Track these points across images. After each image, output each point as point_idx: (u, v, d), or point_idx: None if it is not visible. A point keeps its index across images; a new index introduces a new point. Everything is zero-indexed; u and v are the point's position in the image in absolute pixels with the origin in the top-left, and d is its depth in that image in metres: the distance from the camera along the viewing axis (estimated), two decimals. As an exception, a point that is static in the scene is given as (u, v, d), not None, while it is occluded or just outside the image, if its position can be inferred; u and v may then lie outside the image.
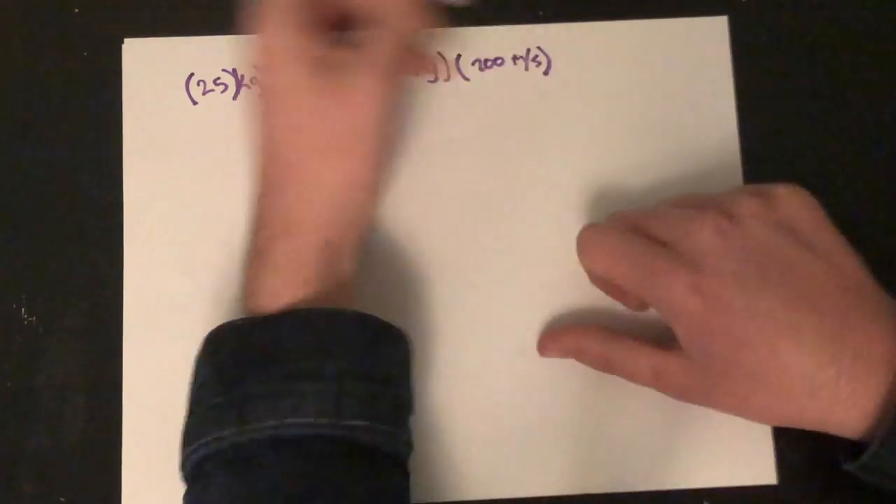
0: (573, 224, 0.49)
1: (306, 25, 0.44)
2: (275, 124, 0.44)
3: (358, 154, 0.45)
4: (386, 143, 0.46)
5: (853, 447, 0.42)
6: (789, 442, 0.47)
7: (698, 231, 0.42)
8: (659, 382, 0.44)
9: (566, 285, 0.48)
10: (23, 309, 0.48)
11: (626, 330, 0.46)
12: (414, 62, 0.49)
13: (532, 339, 0.48)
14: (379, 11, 0.45)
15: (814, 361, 0.40)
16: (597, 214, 0.49)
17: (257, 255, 0.44)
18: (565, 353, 0.47)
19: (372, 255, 0.49)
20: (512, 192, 0.49)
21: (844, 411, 0.41)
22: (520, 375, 0.48)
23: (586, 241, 0.46)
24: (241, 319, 0.43)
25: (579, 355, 0.46)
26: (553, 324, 0.48)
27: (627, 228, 0.45)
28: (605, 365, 0.46)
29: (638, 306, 0.47)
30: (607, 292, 0.47)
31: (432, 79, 0.51)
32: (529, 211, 0.49)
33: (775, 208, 0.43)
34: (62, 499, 0.47)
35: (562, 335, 0.47)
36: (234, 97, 0.50)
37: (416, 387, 0.47)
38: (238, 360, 0.42)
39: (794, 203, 0.43)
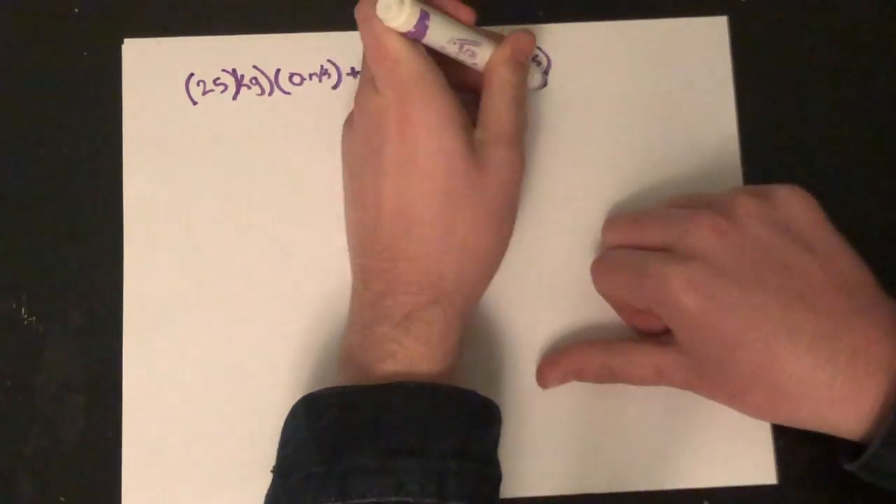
0: (573, 225, 0.49)
1: (451, 89, 0.44)
2: (430, 186, 0.42)
3: (506, 228, 0.45)
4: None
5: (853, 447, 0.42)
6: (789, 442, 0.47)
7: (695, 230, 0.43)
8: (661, 378, 0.44)
9: (566, 284, 0.48)
10: (23, 309, 0.48)
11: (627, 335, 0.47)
12: None
13: (532, 339, 0.48)
14: (495, 82, 0.45)
15: (810, 362, 0.40)
16: (597, 214, 0.49)
17: (403, 319, 0.42)
18: (566, 378, 0.47)
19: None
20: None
21: (841, 412, 0.41)
22: (520, 376, 0.48)
23: (593, 270, 0.47)
24: (344, 387, 0.41)
25: (581, 375, 0.46)
26: (553, 325, 0.48)
27: (625, 246, 0.46)
28: (607, 374, 0.46)
29: (651, 323, 0.46)
30: (634, 324, 0.47)
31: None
32: (529, 211, 0.49)
33: (773, 208, 0.43)
34: (62, 499, 0.47)
35: (559, 359, 0.47)
36: (234, 97, 0.50)
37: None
38: (341, 429, 0.40)
39: (792, 203, 0.43)
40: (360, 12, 0.43)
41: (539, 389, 0.47)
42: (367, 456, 0.39)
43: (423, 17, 0.42)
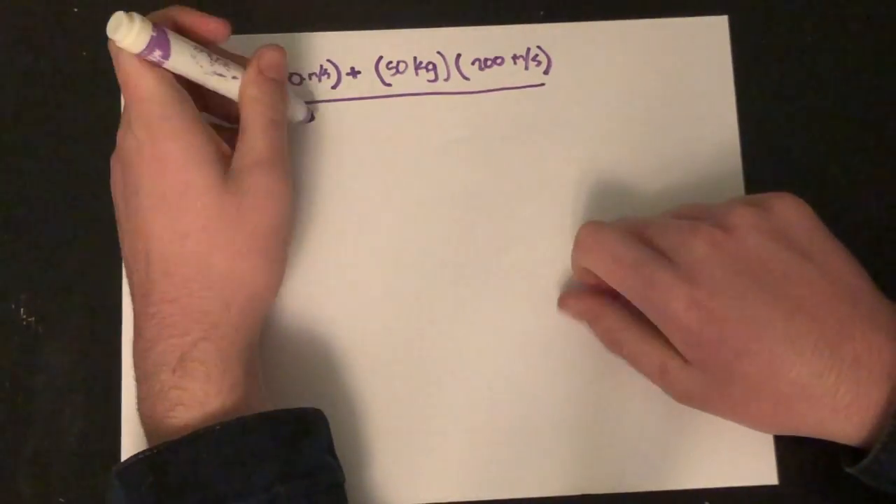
0: (573, 224, 0.49)
1: (201, 118, 0.43)
2: (183, 224, 0.42)
3: (272, 254, 0.44)
4: (291, 234, 0.46)
5: (854, 450, 0.42)
6: (790, 443, 0.46)
7: (693, 243, 0.42)
8: (663, 380, 0.44)
9: (567, 285, 0.48)
10: (22, 309, 0.48)
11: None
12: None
13: (531, 341, 0.48)
14: (246, 104, 0.44)
15: (813, 370, 0.40)
16: (597, 214, 0.49)
17: (178, 363, 0.41)
18: (582, 315, 0.47)
19: (373, 254, 0.49)
20: (511, 192, 0.49)
21: (845, 419, 0.41)
22: (520, 376, 0.48)
23: (586, 238, 0.45)
24: (151, 450, 0.40)
25: (594, 322, 0.46)
26: (552, 325, 0.48)
27: (629, 232, 0.45)
28: (614, 344, 0.46)
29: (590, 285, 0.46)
30: (580, 279, 0.47)
31: (432, 78, 0.51)
32: (529, 211, 0.49)
33: (770, 218, 0.43)
34: (62, 499, 0.47)
35: (585, 296, 0.47)
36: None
37: (417, 387, 0.47)
38: (160, 492, 0.39)
39: (789, 212, 0.43)
40: (110, 47, 0.43)
41: (538, 389, 0.47)
42: None
43: (160, 36, 0.42)
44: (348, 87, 0.51)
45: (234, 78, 0.45)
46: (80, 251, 0.49)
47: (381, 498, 0.47)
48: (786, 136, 0.50)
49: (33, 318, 0.48)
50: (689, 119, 0.50)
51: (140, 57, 0.42)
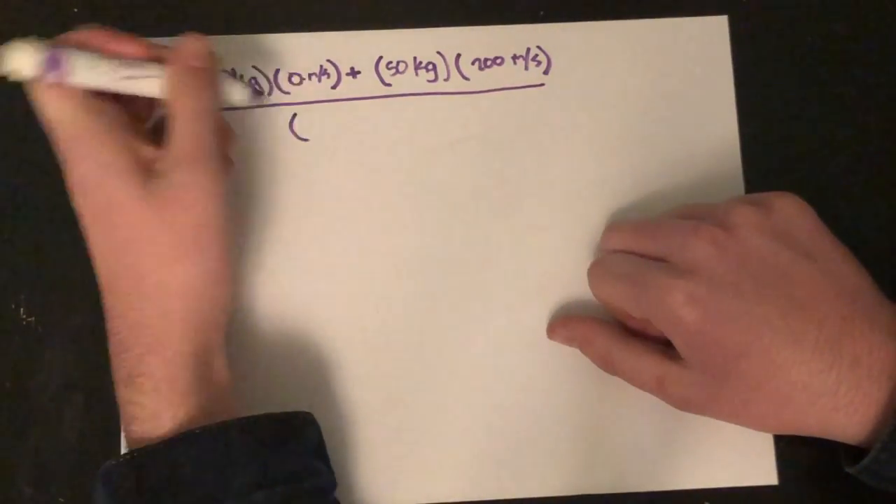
0: (573, 225, 0.49)
1: (122, 127, 0.42)
2: (114, 239, 0.42)
3: (207, 253, 0.42)
4: (231, 231, 0.44)
5: (854, 450, 0.42)
6: (790, 443, 0.47)
7: (694, 242, 0.42)
8: (661, 391, 0.44)
9: (566, 285, 0.48)
10: (22, 309, 0.48)
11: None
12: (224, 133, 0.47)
13: (532, 341, 0.48)
14: (170, 98, 0.43)
15: (813, 369, 0.40)
16: (597, 213, 0.49)
17: (127, 379, 0.41)
18: (572, 340, 0.47)
19: (373, 254, 0.49)
20: (511, 193, 0.49)
21: (846, 417, 0.41)
22: (520, 376, 0.48)
23: (589, 273, 0.47)
24: (133, 452, 0.40)
25: (585, 346, 0.46)
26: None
27: (625, 251, 0.46)
28: (608, 363, 0.46)
29: (647, 328, 0.46)
30: (630, 327, 0.47)
31: (432, 78, 0.51)
32: (529, 211, 0.49)
33: (770, 216, 0.43)
34: (62, 499, 0.47)
35: (573, 323, 0.47)
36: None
37: (418, 387, 0.47)
38: (139, 495, 0.39)
39: (789, 211, 0.43)
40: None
41: (538, 390, 0.47)
42: None
43: (52, 56, 0.41)
44: (348, 87, 0.51)
45: (147, 77, 0.43)
46: (80, 251, 0.48)
47: (381, 498, 0.47)
48: (786, 137, 0.50)
49: (33, 318, 0.48)
50: (689, 119, 0.50)
51: (41, 81, 0.41)
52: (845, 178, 0.50)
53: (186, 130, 0.42)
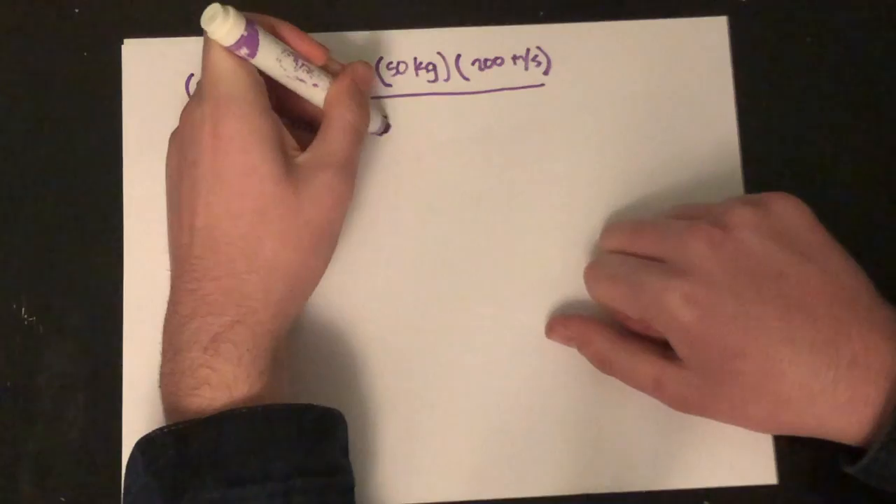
0: (573, 225, 0.49)
1: (274, 112, 0.44)
2: (238, 205, 0.42)
3: (320, 250, 0.44)
4: (337, 242, 0.46)
5: (853, 450, 0.42)
6: (790, 442, 0.47)
7: (691, 242, 0.43)
8: (658, 391, 0.44)
9: (566, 285, 0.48)
10: (23, 309, 0.48)
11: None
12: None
13: (531, 341, 0.48)
14: (334, 109, 0.45)
15: (810, 368, 0.40)
16: (597, 213, 0.49)
17: (210, 342, 0.41)
18: (570, 340, 0.47)
19: (373, 254, 0.49)
20: (511, 193, 0.50)
21: (843, 417, 0.41)
22: (520, 376, 0.48)
23: (586, 274, 0.47)
24: (178, 424, 0.41)
25: (583, 346, 0.46)
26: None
27: (622, 253, 0.46)
28: (605, 364, 0.46)
29: (647, 329, 0.46)
30: (629, 327, 0.47)
31: (432, 79, 0.51)
32: (529, 211, 0.49)
33: (768, 217, 0.43)
34: (62, 499, 0.47)
35: (571, 322, 0.47)
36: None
37: (417, 387, 0.47)
38: (180, 468, 0.40)
39: (787, 211, 0.43)
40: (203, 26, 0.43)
41: (538, 389, 0.47)
42: (210, 490, 0.39)
43: (251, 35, 0.42)
44: (348, 87, 0.51)
45: (314, 86, 0.45)
46: (81, 251, 0.49)
47: (382, 497, 0.47)
48: (785, 136, 0.51)
49: (34, 318, 0.48)
50: (688, 119, 0.50)
51: (230, 49, 0.42)
52: (845, 177, 0.50)
53: (343, 141, 0.45)
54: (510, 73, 0.51)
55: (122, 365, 0.48)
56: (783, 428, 0.43)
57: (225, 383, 0.41)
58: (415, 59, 0.51)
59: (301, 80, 0.45)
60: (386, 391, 0.47)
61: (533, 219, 0.49)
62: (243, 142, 0.42)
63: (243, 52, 0.42)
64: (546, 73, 0.51)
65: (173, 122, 0.50)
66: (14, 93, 0.51)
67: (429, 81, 0.51)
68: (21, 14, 0.51)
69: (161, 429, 0.41)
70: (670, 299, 0.42)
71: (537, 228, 0.49)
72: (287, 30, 0.45)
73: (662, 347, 0.44)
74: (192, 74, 0.50)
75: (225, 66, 0.42)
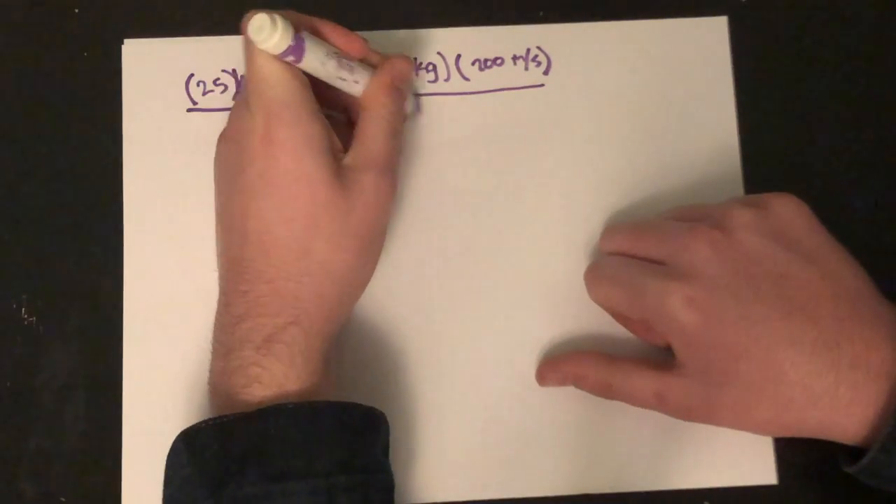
0: (573, 225, 0.49)
1: (322, 113, 0.44)
2: (291, 209, 0.42)
3: (368, 252, 0.45)
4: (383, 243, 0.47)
5: (853, 450, 0.42)
6: (790, 443, 0.46)
7: (691, 244, 0.43)
8: (661, 404, 0.44)
9: (567, 285, 0.48)
10: (23, 309, 0.48)
11: (626, 352, 0.47)
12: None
13: (532, 340, 0.48)
14: (372, 108, 0.45)
15: (812, 369, 0.40)
16: (597, 214, 0.49)
17: (263, 342, 0.42)
18: (564, 381, 0.47)
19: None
20: (511, 193, 0.50)
21: (845, 418, 0.41)
22: (520, 376, 0.48)
23: (586, 276, 0.47)
24: (223, 416, 0.41)
25: (579, 382, 0.46)
26: (552, 327, 0.48)
27: (622, 255, 0.46)
28: (605, 390, 0.45)
29: (654, 338, 0.46)
30: (629, 328, 0.47)
31: (432, 79, 0.51)
32: (530, 211, 0.49)
33: (768, 218, 0.43)
34: (62, 499, 0.47)
35: (560, 363, 0.47)
36: (234, 97, 0.50)
37: (417, 387, 0.48)
38: (223, 460, 0.40)
39: (787, 212, 0.43)
40: (243, 29, 0.43)
41: (539, 390, 0.47)
42: (253, 484, 0.39)
43: (298, 42, 0.42)
44: (348, 87, 0.51)
45: (355, 82, 0.45)
46: (81, 251, 0.49)
47: (382, 498, 0.47)
48: (785, 137, 0.51)
49: (34, 318, 0.48)
50: (688, 119, 0.50)
51: (279, 56, 0.42)
52: (845, 178, 0.50)
53: (384, 141, 0.45)
54: (510, 73, 0.51)
55: (122, 365, 0.48)
56: (786, 430, 0.43)
57: (277, 382, 0.41)
58: (415, 59, 0.51)
59: (342, 79, 0.45)
60: (386, 391, 0.47)
61: (533, 219, 0.49)
62: (295, 148, 0.42)
63: (290, 58, 0.42)
64: (546, 73, 0.51)
65: (173, 123, 0.50)
66: (14, 93, 0.51)
67: (429, 82, 0.51)
68: (21, 14, 0.51)
69: (206, 421, 0.41)
70: (671, 302, 0.42)
71: (537, 228, 0.49)
72: (328, 28, 0.45)
73: (658, 361, 0.44)
74: (191, 74, 0.50)
75: (272, 72, 0.42)
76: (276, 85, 0.42)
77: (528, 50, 0.51)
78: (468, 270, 0.49)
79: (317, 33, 0.44)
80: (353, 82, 0.45)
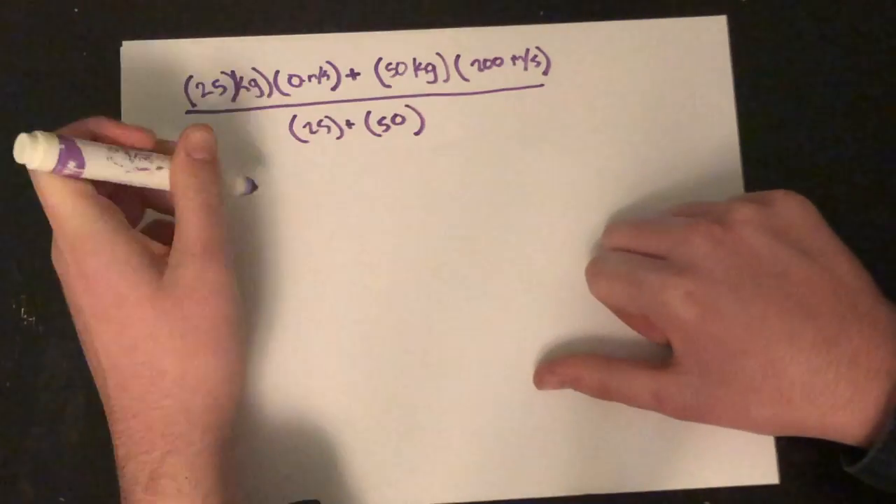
0: (573, 225, 0.49)
1: (128, 225, 0.42)
2: (127, 337, 0.41)
3: (224, 347, 0.42)
4: (245, 323, 0.44)
5: (854, 449, 0.42)
6: (790, 442, 0.46)
7: (692, 239, 0.42)
8: (659, 404, 0.44)
9: (567, 285, 0.48)
10: (23, 309, 0.48)
11: (626, 353, 0.47)
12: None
13: (530, 341, 0.48)
14: (177, 192, 0.43)
15: (811, 367, 0.40)
16: (597, 214, 0.49)
17: (148, 482, 0.40)
18: (562, 384, 0.47)
19: (372, 255, 0.49)
20: (511, 193, 0.50)
21: (845, 417, 0.41)
22: (520, 376, 0.48)
23: (587, 272, 0.47)
24: None
25: (577, 384, 0.46)
26: (552, 326, 0.48)
27: (623, 251, 0.46)
28: (603, 392, 0.45)
29: (654, 335, 0.46)
30: (630, 325, 0.47)
31: (431, 80, 0.51)
32: (529, 211, 0.49)
33: (770, 214, 0.43)
34: (62, 499, 0.47)
35: (558, 366, 0.47)
36: (233, 99, 0.50)
37: (418, 388, 0.47)
38: None
39: (789, 208, 0.43)
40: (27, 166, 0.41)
41: (538, 390, 0.47)
42: None
43: (69, 146, 0.40)
44: (348, 88, 0.51)
45: (158, 168, 0.43)
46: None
47: (382, 498, 0.47)
48: (785, 136, 0.50)
49: (34, 318, 0.48)
50: (688, 119, 0.50)
51: (56, 173, 0.40)
52: (845, 177, 0.50)
53: (197, 223, 0.42)
54: (510, 74, 0.51)
55: (121, 365, 0.48)
56: (786, 429, 0.43)
57: None
58: (414, 59, 0.51)
59: (143, 169, 0.42)
60: (385, 392, 0.47)
61: (533, 219, 0.49)
62: (106, 275, 0.40)
63: (71, 166, 0.40)
64: (546, 73, 0.51)
65: (172, 124, 0.50)
66: (14, 93, 0.51)
67: (428, 82, 0.51)
68: (21, 14, 0.51)
69: None
70: (671, 297, 0.42)
71: (537, 229, 0.49)
72: (103, 124, 0.43)
73: (655, 362, 0.44)
74: (191, 76, 0.50)
75: (62, 202, 0.41)
76: (70, 216, 0.41)
77: (528, 50, 0.51)
78: (467, 271, 0.49)
79: (93, 136, 0.42)
80: (157, 169, 0.43)
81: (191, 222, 0.42)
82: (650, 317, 0.43)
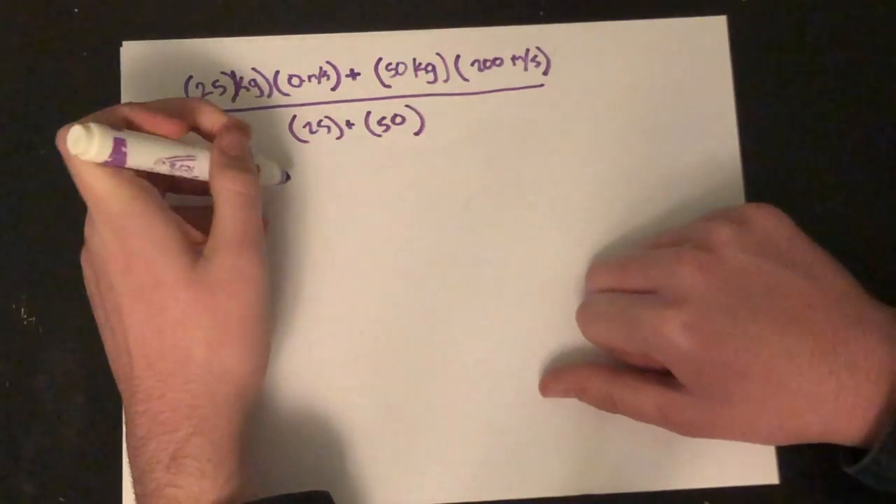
0: (573, 225, 0.49)
1: (167, 207, 0.42)
2: (160, 319, 0.41)
3: (250, 340, 0.43)
4: (272, 317, 0.45)
5: (854, 450, 0.42)
6: (791, 442, 0.47)
7: (678, 269, 0.42)
8: (664, 421, 0.44)
9: (566, 285, 0.48)
10: (23, 309, 0.48)
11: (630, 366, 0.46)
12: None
13: (533, 342, 0.48)
14: (214, 185, 0.43)
15: (813, 378, 0.40)
16: (596, 214, 0.49)
17: (170, 461, 0.41)
18: (567, 393, 0.47)
19: (371, 256, 0.49)
20: (511, 194, 0.49)
21: (847, 421, 0.41)
22: (520, 376, 0.48)
23: (577, 317, 0.47)
24: None
25: (582, 394, 0.46)
26: (553, 329, 0.48)
27: (608, 291, 0.46)
28: (608, 404, 0.45)
29: (648, 362, 0.45)
30: (628, 362, 0.46)
31: (431, 80, 0.51)
32: (529, 212, 0.49)
33: (749, 231, 0.43)
34: (62, 499, 0.47)
35: (564, 374, 0.47)
36: (233, 99, 0.50)
37: (418, 388, 0.47)
38: None
39: (767, 223, 0.44)
40: (59, 145, 0.41)
41: (538, 390, 0.47)
42: None
43: (119, 144, 0.40)
44: (348, 88, 0.51)
45: (194, 160, 0.43)
46: (81, 251, 0.49)
47: (382, 499, 0.47)
48: (785, 137, 0.50)
49: (34, 318, 0.48)
50: (688, 119, 0.50)
51: (104, 163, 0.40)
52: (845, 177, 0.50)
53: (233, 217, 0.43)
54: (510, 74, 0.51)
55: (121, 365, 0.48)
56: (789, 438, 0.43)
57: (193, 498, 0.41)
58: (414, 59, 0.51)
59: (180, 160, 0.43)
60: (385, 393, 0.47)
61: (533, 219, 0.49)
62: (145, 256, 0.41)
63: (118, 158, 0.41)
64: (545, 73, 0.51)
65: (173, 123, 0.50)
66: (14, 93, 0.51)
67: (428, 83, 0.51)
68: (21, 14, 0.51)
69: None
70: (668, 329, 0.41)
71: (537, 229, 0.49)
72: (137, 112, 0.43)
73: (662, 375, 0.44)
74: (190, 76, 0.50)
75: (102, 183, 0.41)
76: (111, 196, 0.41)
77: (528, 50, 0.51)
78: (468, 272, 0.49)
79: (127, 123, 0.42)
80: (193, 169, 0.43)
81: (228, 214, 0.43)
82: (650, 353, 0.43)
